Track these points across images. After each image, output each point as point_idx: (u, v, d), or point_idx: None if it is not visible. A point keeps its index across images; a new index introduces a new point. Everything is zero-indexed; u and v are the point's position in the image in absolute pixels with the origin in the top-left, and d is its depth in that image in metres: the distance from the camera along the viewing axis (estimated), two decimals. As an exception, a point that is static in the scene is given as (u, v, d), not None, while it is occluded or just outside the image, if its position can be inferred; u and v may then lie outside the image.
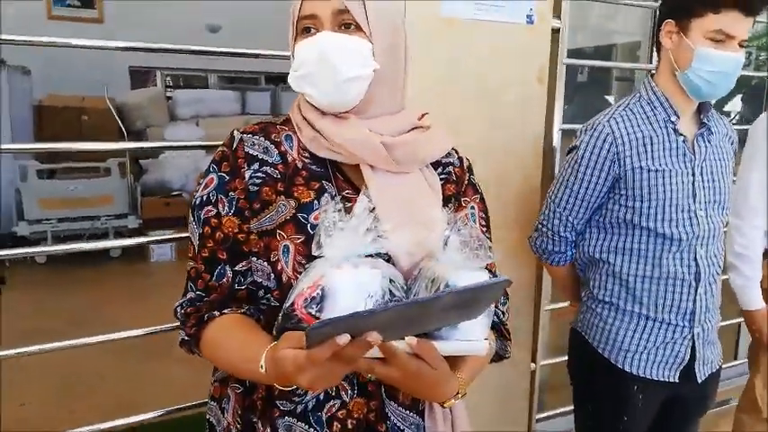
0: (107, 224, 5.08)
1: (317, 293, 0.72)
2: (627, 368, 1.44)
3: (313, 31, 0.88)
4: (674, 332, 1.42)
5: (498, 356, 1.01)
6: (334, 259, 0.74)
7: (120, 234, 5.14)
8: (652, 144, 1.38)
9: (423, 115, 0.98)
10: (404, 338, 0.74)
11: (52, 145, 1.72)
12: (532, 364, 2.05)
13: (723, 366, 1.56)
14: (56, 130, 5.29)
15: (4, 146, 1.38)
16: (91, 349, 1.51)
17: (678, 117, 1.40)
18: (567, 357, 1.62)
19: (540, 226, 1.52)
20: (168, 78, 7.67)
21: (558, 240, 1.49)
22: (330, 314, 0.70)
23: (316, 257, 0.78)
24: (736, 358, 2.87)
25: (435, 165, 0.98)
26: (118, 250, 5.00)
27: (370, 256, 0.76)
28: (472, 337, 0.79)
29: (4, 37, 1.31)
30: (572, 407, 1.63)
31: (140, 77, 7.09)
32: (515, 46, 1.74)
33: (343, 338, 0.65)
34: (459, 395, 0.85)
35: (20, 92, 5.15)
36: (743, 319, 2.77)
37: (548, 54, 1.79)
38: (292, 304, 0.73)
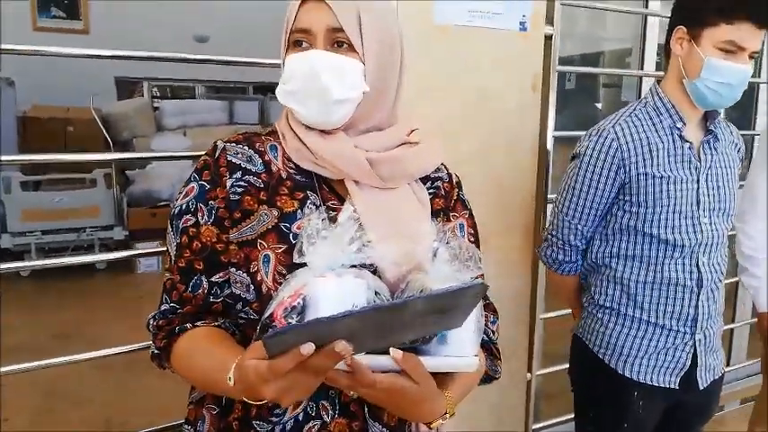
0: (93, 236, 5.00)
1: (298, 303, 0.68)
2: (627, 373, 1.42)
3: (305, 45, 0.86)
4: (674, 338, 1.41)
5: (488, 377, 0.98)
6: (317, 268, 0.72)
7: (105, 246, 5.07)
8: (657, 150, 1.37)
9: (412, 131, 0.96)
10: (388, 352, 0.70)
11: (42, 157, 1.68)
12: (528, 374, 2.03)
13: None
14: (41, 142, 5.21)
15: (3, 157, 1.34)
16: (75, 363, 1.47)
17: (684, 124, 1.39)
18: (561, 366, 1.61)
19: (549, 236, 1.51)
20: (155, 89, 7.61)
21: (569, 249, 1.48)
22: None
23: (297, 267, 0.75)
24: (728, 364, 2.87)
25: (424, 179, 0.97)
26: (104, 262, 4.92)
27: (355, 266, 0.73)
28: (462, 353, 0.76)
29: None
30: (568, 416, 1.61)
31: (127, 88, 7.03)
32: (509, 53, 1.73)
33: (307, 348, 0.62)
34: (448, 415, 0.82)
35: (4, 103, 5.08)
36: (736, 325, 2.81)
37: (541, 61, 1.79)
38: (271, 314, 0.70)
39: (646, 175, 1.35)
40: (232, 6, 6.31)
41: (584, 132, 1.47)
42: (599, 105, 4.50)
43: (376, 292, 0.73)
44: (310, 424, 0.84)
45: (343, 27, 0.84)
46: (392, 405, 0.78)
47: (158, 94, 7.70)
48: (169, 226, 0.90)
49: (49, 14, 6.27)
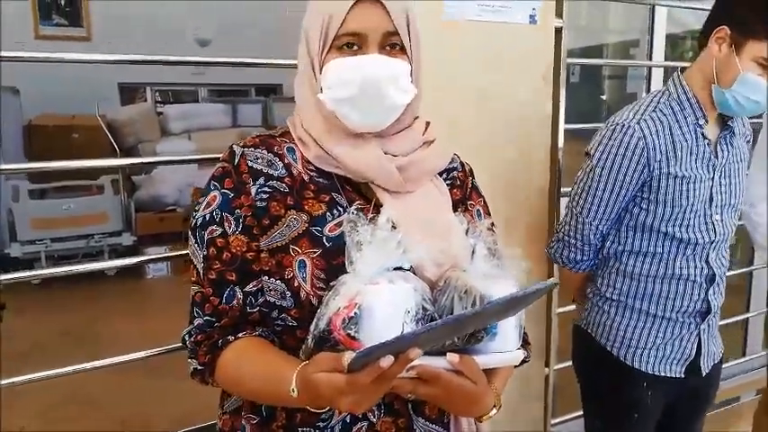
0: (101, 242, 5.01)
1: (355, 313, 0.69)
2: (636, 365, 1.43)
3: (355, 48, 0.84)
4: (681, 328, 1.42)
5: (521, 361, 0.99)
6: (366, 275, 0.72)
7: (114, 252, 5.08)
8: (681, 149, 1.34)
9: (427, 125, 0.97)
10: (444, 354, 0.72)
11: (47, 164, 1.68)
12: (546, 369, 2.02)
13: (732, 363, 1.55)
14: (47, 150, 5.22)
15: (3, 166, 1.34)
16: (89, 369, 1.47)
17: (706, 121, 1.36)
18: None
19: (564, 236, 1.47)
20: (157, 93, 7.64)
21: (588, 249, 1.45)
22: (369, 333, 0.67)
23: (335, 271, 0.76)
24: (744, 355, 2.85)
25: (440, 172, 0.98)
26: (113, 268, 4.93)
27: (397, 269, 0.74)
28: (508, 347, 0.79)
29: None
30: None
31: (130, 94, 7.05)
32: (520, 47, 1.72)
33: (387, 361, 0.63)
34: (496, 408, 0.84)
35: (9, 112, 5.10)
36: (751, 314, 2.78)
37: (552, 54, 1.77)
38: (329, 325, 0.70)
39: (668, 174, 1.32)
40: (231, 9, 6.31)
41: (592, 125, 1.43)
42: (604, 97, 4.48)
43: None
44: (358, 425, 0.85)
45: (398, 30, 0.83)
46: (450, 403, 0.80)
47: (161, 99, 7.71)
48: (192, 237, 0.88)
49: (50, 22, 6.28)
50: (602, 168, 1.35)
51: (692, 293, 1.40)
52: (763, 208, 1.72)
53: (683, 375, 1.44)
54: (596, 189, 1.37)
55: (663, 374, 1.43)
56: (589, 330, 1.50)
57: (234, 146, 0.90)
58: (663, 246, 1.37)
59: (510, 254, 0.80)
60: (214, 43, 6.66)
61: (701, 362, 1.45)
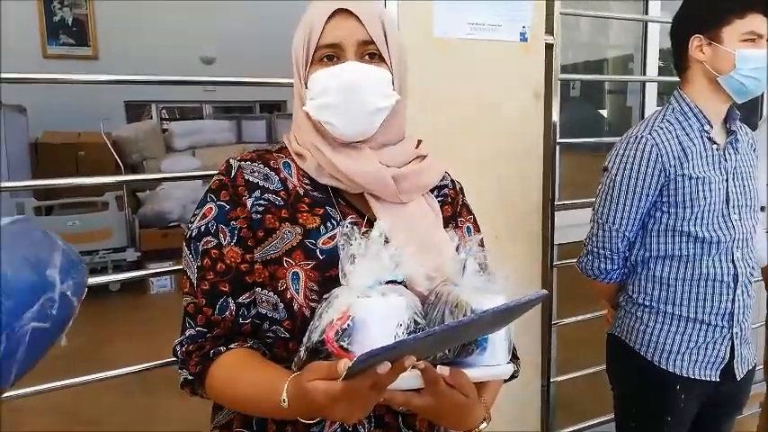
0: (106, 258, 5.04)
1: (348, 325, 0.69)
2: (670, 368, 1.46)
3: (335, 60, 0.87)
4: (713, 332, 1.45)
5: (511, 375, 1.00)
6: (359, 288, 0.73)
7: (118, 267, 5.10)
8: (691, 153, 1.42)
9: (419, 142, 0.98)
10: (435, 367, 0.73)
11: (51, 181, 1.69)
12: (544, 382, 2.02)
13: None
14: (53, 167, 5.28)
15: (4, 183, 1.36)
16: (92, 385, 1.48)
17: (711, 126, 1.45)
18: (578, 373, 1.60)
19: (592, 248, 1.52)
20: (163, 111, 7.72)
21: (617, 258, 1.51)
22: (362, 345, 0.67)
23: (328, 283, 0.77)
24: (746, 367, 2.82)
25: (432, 188, 0.99)
26: (117, 284, 4.96)
27: (389, 282, 0.75)
28: (497, 361, 0.79)
29: (4, 75, 1.30)
30: (584, 423, 1.61)
31: (136, 111, 7.13)
32: (511, 64, 1.75)
33: (384, 367, 0.63)
34: (486, 421, 0.84)
35: (16, 130, 5.16)
36: (753, 326, 2.75)
37: (543, 70, 1.80)
38: (322, 337, 0.70)
39: (683, 176, 1.41)
40: (235, 28, 6.41)
41: (589, 140, 1.48)
42: (603, 112, 4.50)
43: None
44: None
45: (374, 39, 0.86)
46: (441, 416, 0.80)
47: (167, 116, 7.80)
48: (186, 249, 0.89)
49: (58, 42, 6.39)
50: (623, 177, 1.44)
51: (720, 293, 1.44)
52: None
53: (717, 379, 1.46)
54: (618, 197, 1.45)
55: (697, 378, 1.46)
56: (622, 337, 1.54)
57: (231, 159, 0.92)
58: (688, 248, 1.43)
59: (500, 269, 0.81)
60: (219, 61, 6.75)
61: (735, 366, 1.48)
